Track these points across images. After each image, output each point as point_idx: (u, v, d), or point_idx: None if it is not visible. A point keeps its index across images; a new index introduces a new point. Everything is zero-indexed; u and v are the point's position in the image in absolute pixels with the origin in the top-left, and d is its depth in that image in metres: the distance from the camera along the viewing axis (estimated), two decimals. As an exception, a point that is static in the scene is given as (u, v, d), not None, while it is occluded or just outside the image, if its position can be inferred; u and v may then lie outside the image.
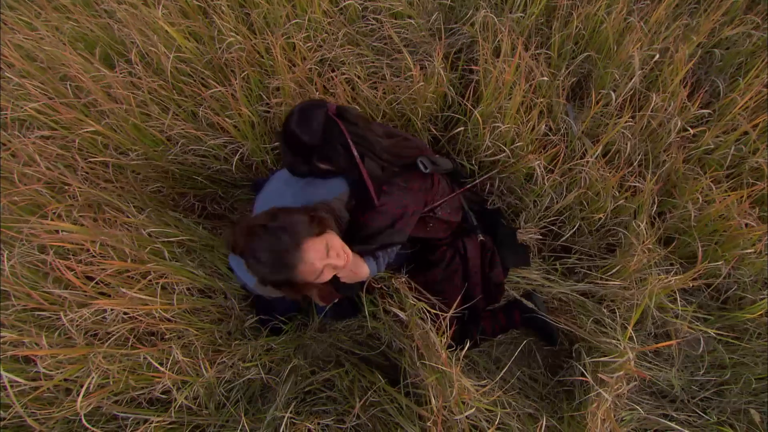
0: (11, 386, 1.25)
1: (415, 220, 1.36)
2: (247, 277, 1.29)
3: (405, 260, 1.60)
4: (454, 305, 1.35)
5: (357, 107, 1.71)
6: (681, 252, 1.71)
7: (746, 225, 1.60)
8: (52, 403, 1.38)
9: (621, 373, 1.26)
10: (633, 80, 1.74)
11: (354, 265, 1.27)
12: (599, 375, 1.28)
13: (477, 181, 1.56)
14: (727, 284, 1.70)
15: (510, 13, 2.00)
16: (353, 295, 1.50)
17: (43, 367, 1.28)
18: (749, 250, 1.58)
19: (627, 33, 1.87)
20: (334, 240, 1.14)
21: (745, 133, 1.78)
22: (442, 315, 1.34)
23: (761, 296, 1.63)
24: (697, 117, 1.89)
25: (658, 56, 1.82)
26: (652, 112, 1.74)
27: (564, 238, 1.75)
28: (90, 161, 1.62)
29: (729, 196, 1.60)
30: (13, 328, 1.37)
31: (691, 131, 1.72)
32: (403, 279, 1.49)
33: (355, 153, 1.22)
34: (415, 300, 1.40)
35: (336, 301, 1.59)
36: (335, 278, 1.33)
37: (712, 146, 1.79)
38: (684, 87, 1.78)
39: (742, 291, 1.70)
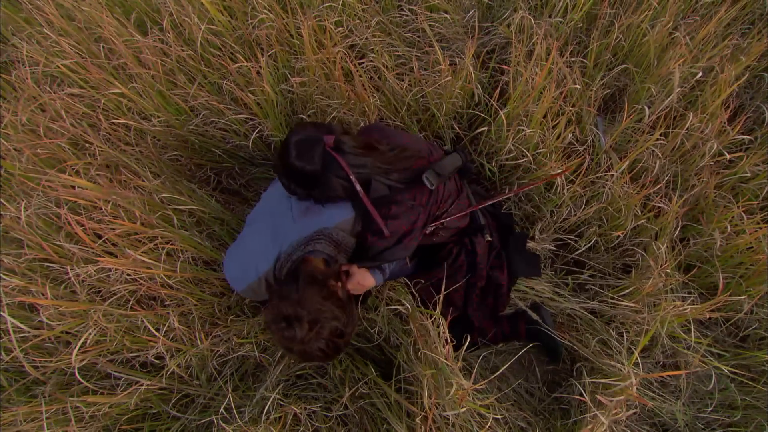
0: (14, 332, 1.28)
1: (422, 232, 1.35)
2: (237, 283, 1.32)
3: (410, 273, 1.59)
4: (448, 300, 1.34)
5: (353, 130, 1.65)
6: (701, 281, 1.62)
7: (776, 261, 1.50)
8: (51, 354, 1.41)
9: (621, 397, 1.20)
10: (670, 98, 1.66)
11: (362, 278, 1.33)
12: (598, 397, 1.23)
13: (493, 200, 1.51)
14: (747, 321, 1.61)
15: (549, 17, 1.94)
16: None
17: (46, 317, 1.31)
18: (775, 288, 1.49)
19: (670, 48, 1.79)
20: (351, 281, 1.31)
21: (787, 164, 1.69)
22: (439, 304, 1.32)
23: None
24: (735, 142, 1.79)
25: (700, 75, 1.73)
26: (687, 131, 1.66)
27: (578, 252, 1.69)
28: (113, 122, 1.65)
29: (761, 228, 1.51)
30: (23, 276, 1.41)
31: (728, 156, 1.63)
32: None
33: (358, 188, 1.21)
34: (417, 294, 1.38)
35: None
36: None
37: (749, 175, 1.69)
38: (725, 110, 1.69)
39: (764, 330, 1.61)
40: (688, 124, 1.63)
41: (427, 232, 1.42)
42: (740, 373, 1.53)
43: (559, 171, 1.59)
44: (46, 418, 1.25)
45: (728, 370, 1.50)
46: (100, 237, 1.42)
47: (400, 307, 1.37)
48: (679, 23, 1.93)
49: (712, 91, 1.72)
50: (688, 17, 2.00)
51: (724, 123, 1.68)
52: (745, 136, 1.73)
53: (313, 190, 1.26)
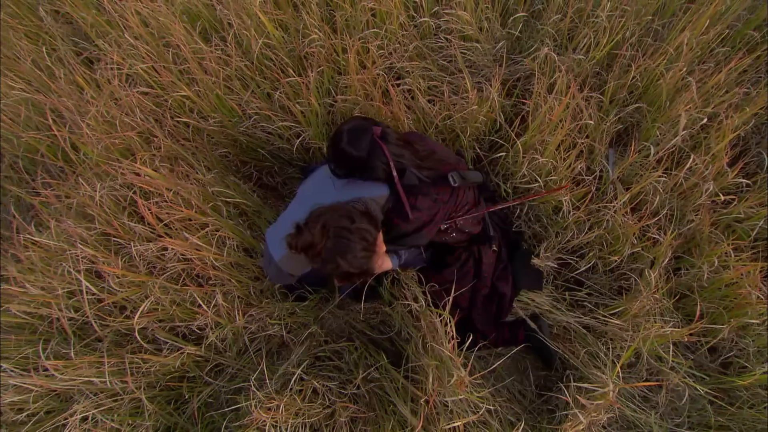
0: (87, 293, 1.51)
1: (437, 226, 1.54)
2: (276, 251, 1.50)
3: (423, 263, 1.77)
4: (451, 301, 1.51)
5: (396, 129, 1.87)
6: (688, 309, 1.77)
7: (758, 297, 1.65)
8: (108, 315, 1.64)
9: (601, 402, 1.38)
10: (676, 139, 1.81)
11: (382, 260, 1.51)
12: (580, 399, 1.40)
13: (502, 206, 1.72)
14: (728, 348, 1.75)
15: (573, 53, 2.11)
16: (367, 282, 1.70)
17: (114, 284, 1.54)
18: (755, 321, 1.64)
19: (683, 91, 1.93)
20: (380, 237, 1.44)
21: (781, 208, 1.82)
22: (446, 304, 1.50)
23: (763, 368, 1.68)
24: (736, 185, 1.93)
25: (705, 120, 1.88)
26: (689, 171, 1.81)
27: (578, 272, 1.86)
28: (176, 120, 1.87)
29: (746, 265, 1.66)
30: (93, 248, 1.64)
31: (722, 197, 1.78)
32: (412, 273, 1.67)
33: (395, 173, 1.42)
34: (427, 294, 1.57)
35: (357, 284, 1.78)
36: None
37: (743, 216, 1.83)
38: (726, 155, 1.83)
39: (745, 360, 1.75)
40: (689, 165, 1.78)
41: (443, 228, 1.61)
42: (720, 396, 1.68)
43: (561, 186, 1.77)
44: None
45: (705, 392, 1.65)
46: (160, 220, 1.64)
47: (414, 304, 1.56)
48: (694, 68, 2.07)
49: (716, 136, 1.87)
50: (703, 63, 2.13)
51: (724, 167, 1.83)
52: (743, 180, 1.88)
53: (355, 173, 1.47)
